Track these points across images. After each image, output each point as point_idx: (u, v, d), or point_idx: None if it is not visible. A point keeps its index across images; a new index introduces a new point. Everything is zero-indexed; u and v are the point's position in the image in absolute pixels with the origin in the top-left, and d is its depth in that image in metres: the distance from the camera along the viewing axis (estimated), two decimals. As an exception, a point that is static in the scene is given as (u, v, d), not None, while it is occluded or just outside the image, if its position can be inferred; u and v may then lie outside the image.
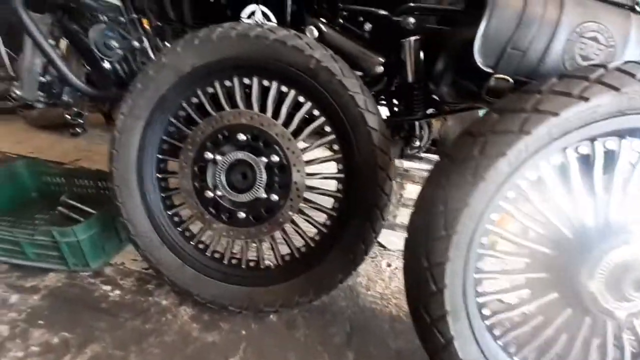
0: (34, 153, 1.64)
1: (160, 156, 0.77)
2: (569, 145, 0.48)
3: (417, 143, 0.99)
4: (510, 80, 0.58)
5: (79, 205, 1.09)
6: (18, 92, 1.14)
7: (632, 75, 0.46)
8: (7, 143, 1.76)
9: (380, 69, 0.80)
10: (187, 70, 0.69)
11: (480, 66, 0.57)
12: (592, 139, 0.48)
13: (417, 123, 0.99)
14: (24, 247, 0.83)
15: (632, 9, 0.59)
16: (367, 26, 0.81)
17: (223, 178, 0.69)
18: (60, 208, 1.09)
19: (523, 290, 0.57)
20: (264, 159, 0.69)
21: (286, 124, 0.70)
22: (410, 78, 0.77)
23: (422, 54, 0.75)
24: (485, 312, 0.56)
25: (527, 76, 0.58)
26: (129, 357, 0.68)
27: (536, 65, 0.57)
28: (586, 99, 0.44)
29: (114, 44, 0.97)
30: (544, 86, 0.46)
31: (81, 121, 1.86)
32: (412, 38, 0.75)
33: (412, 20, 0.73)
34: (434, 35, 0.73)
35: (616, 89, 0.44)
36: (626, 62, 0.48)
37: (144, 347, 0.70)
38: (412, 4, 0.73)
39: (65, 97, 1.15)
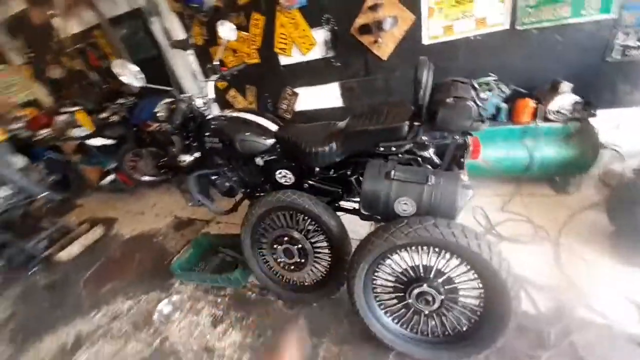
0: (194, 215, 3.02)
1: (258, 243, 1.83)
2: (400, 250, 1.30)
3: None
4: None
5: (229, 250, 2.30)
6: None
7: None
8: (178, 209, 3.21)
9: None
10: (260, 213, 1.70)
11: (363, 213, 1.39)
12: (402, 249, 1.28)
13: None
14: (219, 281, 2.05)
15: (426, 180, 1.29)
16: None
17: (282, 255, 1.71)
18: (220, 254, 2.34)
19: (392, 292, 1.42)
20: (297, 246, 1.67)
21: (299, 228, 1.66)
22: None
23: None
24: (375, 291, 1.44)
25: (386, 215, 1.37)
26: (264, 322, 1.80)
27: (387, 210, 1.34)
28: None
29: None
30: (395, 225, 1.26)
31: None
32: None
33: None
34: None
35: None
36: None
37: (267, 318, 1.82)
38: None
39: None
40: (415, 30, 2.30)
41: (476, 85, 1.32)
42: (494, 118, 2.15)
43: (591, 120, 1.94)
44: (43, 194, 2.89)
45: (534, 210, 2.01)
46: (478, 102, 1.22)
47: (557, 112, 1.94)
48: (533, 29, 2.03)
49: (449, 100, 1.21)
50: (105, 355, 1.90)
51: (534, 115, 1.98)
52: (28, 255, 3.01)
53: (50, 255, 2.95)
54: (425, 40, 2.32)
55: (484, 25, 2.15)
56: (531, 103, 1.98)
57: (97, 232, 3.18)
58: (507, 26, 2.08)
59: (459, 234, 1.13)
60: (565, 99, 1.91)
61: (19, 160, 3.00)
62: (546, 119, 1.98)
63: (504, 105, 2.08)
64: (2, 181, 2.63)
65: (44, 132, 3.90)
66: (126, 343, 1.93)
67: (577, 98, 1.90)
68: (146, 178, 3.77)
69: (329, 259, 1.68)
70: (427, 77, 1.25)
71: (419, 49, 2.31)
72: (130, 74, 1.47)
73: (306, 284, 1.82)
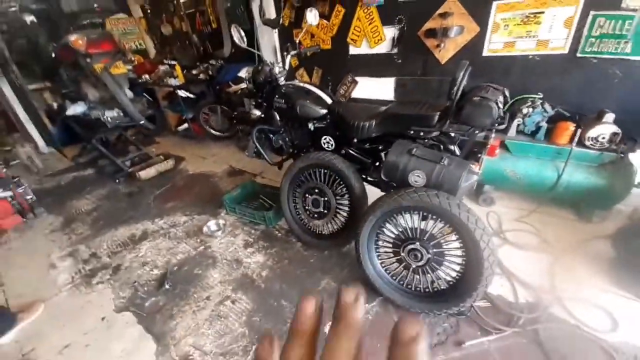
0: (245, 168, 3.55)
1: (293, 191, 2.23)
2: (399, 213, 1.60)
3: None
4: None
5: (266, 198, 2.76)
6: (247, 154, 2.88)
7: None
8: (233, 161, 3.77)
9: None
10: (300, 167, 2.09)
11: (385, 179, 1.69)
12: (406, 211, 1.57)
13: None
14: (256, 217, 2.51)
15: (439, 160, 1.54)
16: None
17: (310, 204, 2.09)
18: (260, 200, 2.80)
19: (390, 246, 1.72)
20: (323, 198, 2.03)
21: (329, 184, 2.01)
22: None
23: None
24: (377, 243, 1.74)
25: (401, 184, 1.65)
26: (283, 254, 2.21)
27: (403, 179, 1.63)
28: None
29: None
30: (404, 191, 1.56)
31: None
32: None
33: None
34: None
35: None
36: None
37: (287, 252, 2.22)
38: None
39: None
40: (477, 41, 2.48)
41: (507, 94, 1.55)
42: (532, 135, 2.27)
43: (631, 156, 1.98)
44: (142, 122, 3.61)
45: (548, 228, 2.12)
46: (500, 105, 1.45)
47: (595, 139, 2.01)
48: (592, 59, 2.11)
49: (476, 98, 1.46)
50: (162, 247, 2.47)
51: (572, 139, 2.07)
52: (117, 168, 3.81)
53: (133, 172, 3.69)
54: (485, 52, 2.49)
55: (545, 48, 2.26)
56: (571, 126, 2.07)
57: (169, 163, 3.87)
58: (567, 51, 2.18)
59: (454, 205, 1.40)
60: (605, 128, 1.98)
61: (129, 92, 3.77)
62: (582, 145, 2.06)
63: (544, 124, 2.19)
64: (117, 104, 3.37)
65: (146, 77, 4.75)
66: (178, 243, 2.48)
67: (616, 129, 1.96)
68: (213, 131, 4.43)
69: (347, 217, 2.02)
70: (462, 77, 1.50)
71: (477, 59, 2.48)
72: (240, 36, 1.95)
73: (323, 233, 2.18)
